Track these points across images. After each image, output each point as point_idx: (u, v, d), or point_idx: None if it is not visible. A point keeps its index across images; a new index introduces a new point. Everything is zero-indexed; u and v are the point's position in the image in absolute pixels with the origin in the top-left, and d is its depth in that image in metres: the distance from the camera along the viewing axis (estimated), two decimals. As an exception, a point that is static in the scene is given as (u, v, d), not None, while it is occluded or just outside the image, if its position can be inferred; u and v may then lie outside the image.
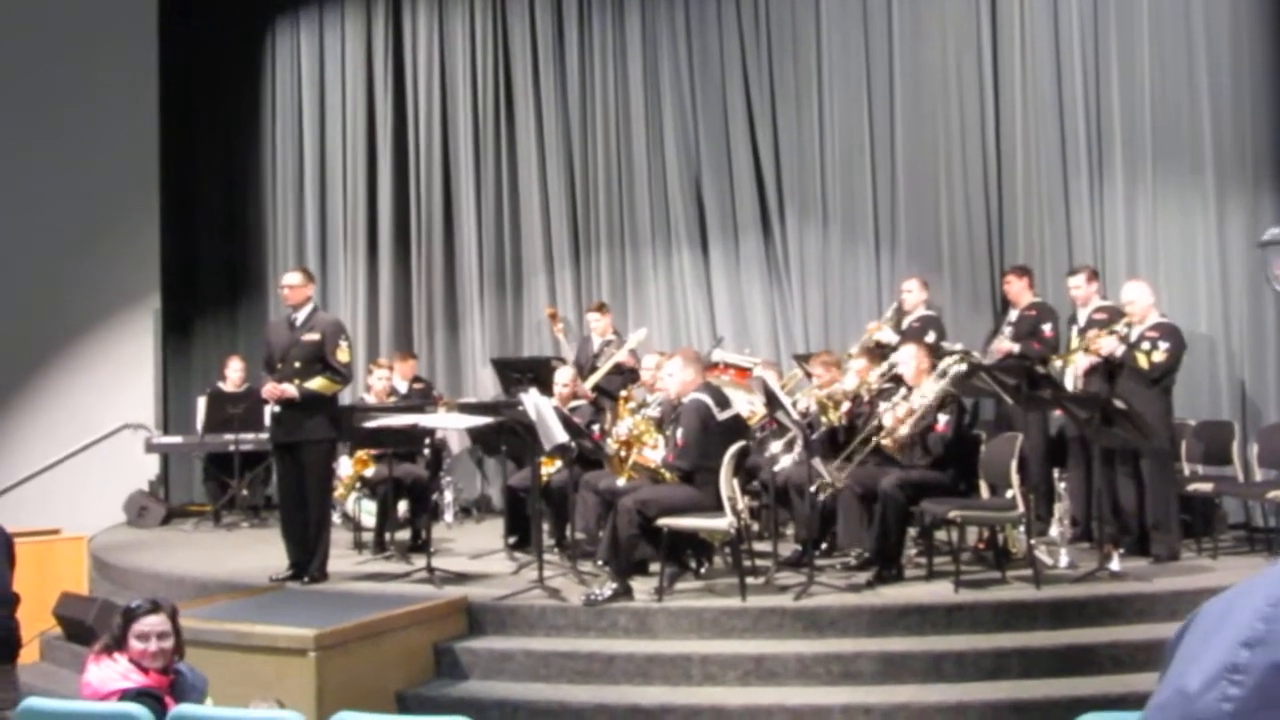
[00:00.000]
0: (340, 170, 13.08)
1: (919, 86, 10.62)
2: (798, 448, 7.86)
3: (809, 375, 9.06)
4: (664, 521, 7.10)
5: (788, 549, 8.20)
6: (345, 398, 9.37)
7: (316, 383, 7.97)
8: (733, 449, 7.22)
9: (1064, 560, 7.61)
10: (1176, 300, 8.99)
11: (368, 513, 9.51)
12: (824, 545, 8.11)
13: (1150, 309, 8.07)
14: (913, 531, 7.95)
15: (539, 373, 9.77)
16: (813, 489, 7.46)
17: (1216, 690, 0.93)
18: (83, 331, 12.72)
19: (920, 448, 7.69)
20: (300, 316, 8.16)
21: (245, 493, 11.54)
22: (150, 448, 12.11)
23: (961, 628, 6.67)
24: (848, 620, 6.73)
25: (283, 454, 8.21)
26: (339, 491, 9.31)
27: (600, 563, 7.70)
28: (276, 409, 8.13)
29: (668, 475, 7.47)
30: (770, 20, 11.31)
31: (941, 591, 7.08)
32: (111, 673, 4.53)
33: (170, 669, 4.71)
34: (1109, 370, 8.13)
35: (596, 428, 8.75)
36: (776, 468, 8.05)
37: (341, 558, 8.58)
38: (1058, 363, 8.57)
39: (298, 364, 8.00)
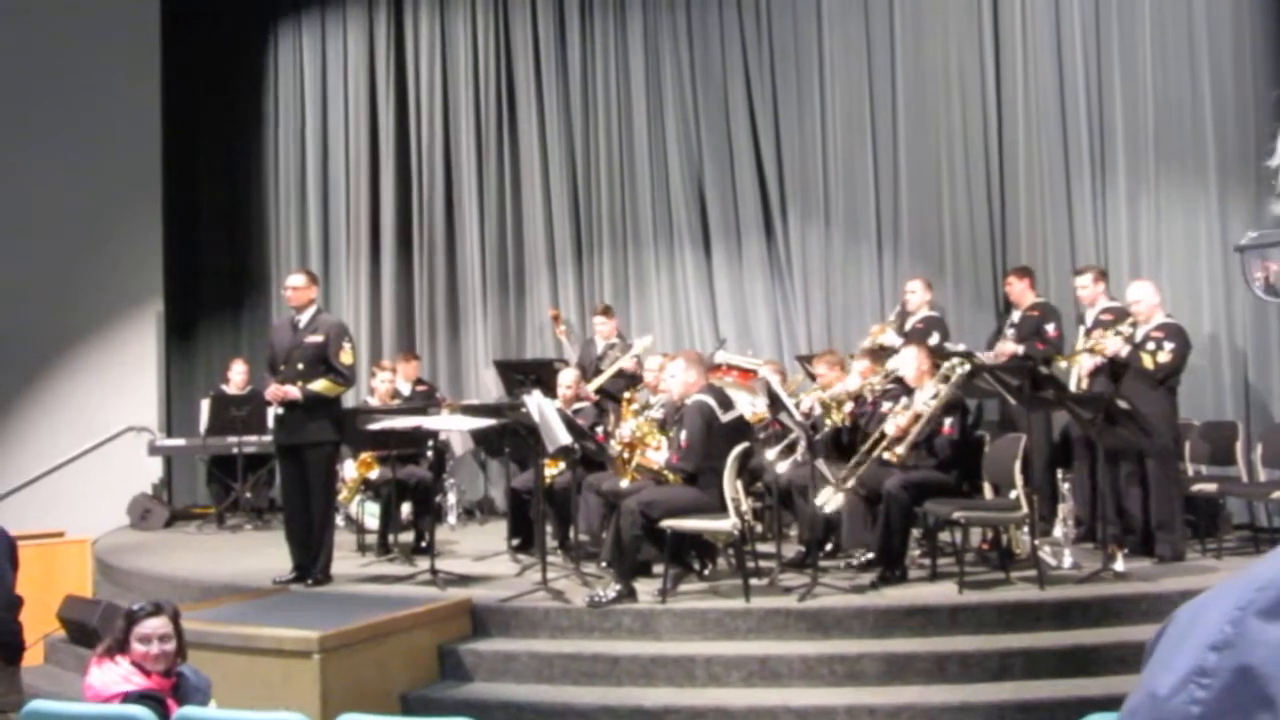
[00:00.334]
0: (343, 172, 13.09)
1: (921, 87, 10.62)
2: (798, 450, 7.85)
3: (812, 377, 9.05)
4: (667, 523, 7.10)
5: (791, 550, 8.20)
6: (349, 400, 9.37)
7: (320, 384, 7.97)
8: (736, 450, 7.22)
9: (1068, 561, 7.60)
10: (1180, 300, 8.98)
11: (371, 515, 9.52)
12: (828, 546, 8.11)
13: (1155, 309, 8.06)
14: (917, 532, 7.94)
15: (542, 375, 9.76)
16: (819, 502, 7.45)
17: (1184, 694, 0.93)
18: (86, 334, 12.74)
19: (926, 450, 7.69)
20: (304, 318, 8.17)
21: (249, 495, 11.54)
22: (154, 450, 12.12)
23: (966, 628, 6.67)
24: (852, 621, 6.72)
25: (286, 456, 8.21)
26: (343, 494, 9.32)
27: (604, 564, 7.70)
28: (280, 411, 8.13)
29: (671, 477, 7.47)
30: (772, 20, 11.32)
31: (946, 592, 7.07)
32: (113, 675, 4.53)
33: (172, 671, 4.70)
34: (1114, 370, 8.12)
35: (600, 429, 8.75)
36: (781, 467, 8.04)
37: (345, 560, 8.58)
38: (1062, 363, 8.56)
39: (301, 365, 8.00)
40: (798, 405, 7.91)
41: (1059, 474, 8.29)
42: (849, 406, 8.16)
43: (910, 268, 10.35)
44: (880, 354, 8.81)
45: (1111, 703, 5.80)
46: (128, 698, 4.43)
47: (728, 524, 7.10)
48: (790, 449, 8.02)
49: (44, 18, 12.45)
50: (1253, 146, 9.21)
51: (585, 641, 6.83)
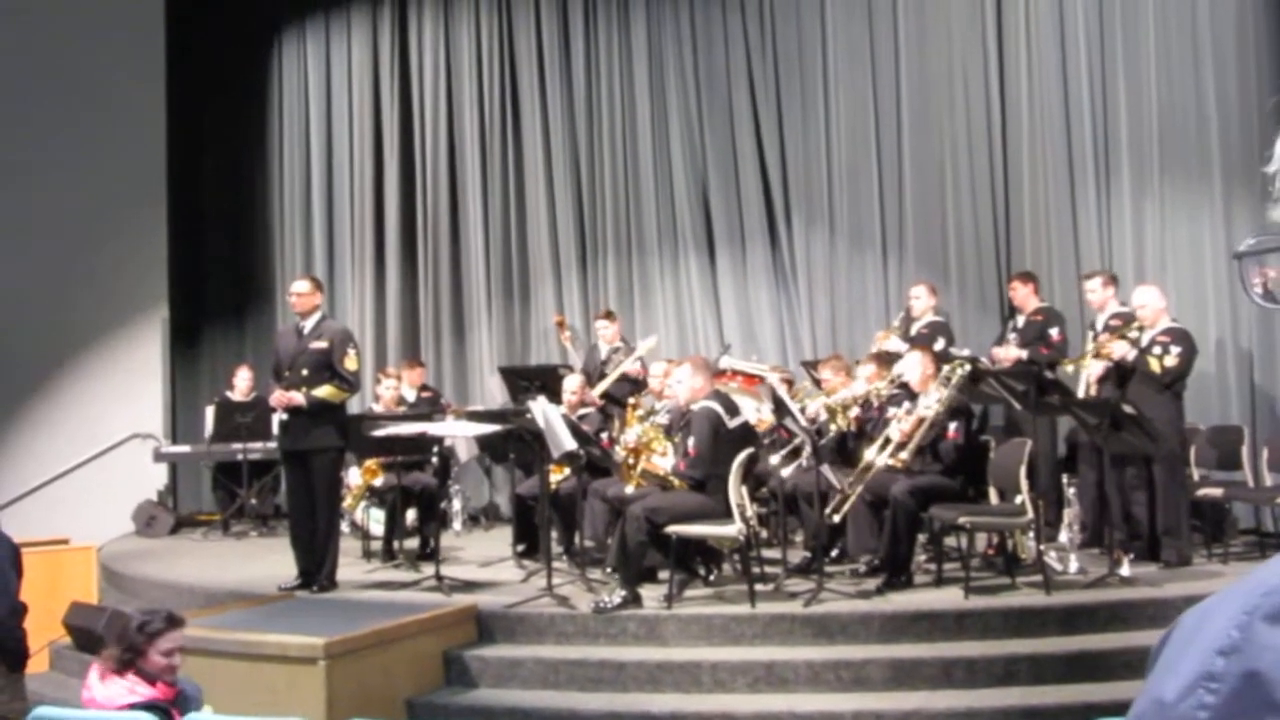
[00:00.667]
0: (347, 178, 13.11)
1: (925, 93, 10.61)
2: (803, 456, 7.84)
3: (817, 382, 9.04)
4: (673, 529, 7.10)
5: (797, 555, 8.19)
6: (353, 406, 9.37)
7: (324, 390, 7.97)
8: (741, 456, 7.21)
9: (1074, 566, 7.59)
10: (1185, 305, 8.95)
11: (376, 521, 9.52)
12: (833, 552, 8.10)
13: (1161, 314, 8.05)
14: (922, 538, 7.93)
15: (547, 381, 9.76)
16: (828, 510, 7.45)
17: (1192, 699, 0.92)
18: (91, 341, 12.75)
19: (931, 455, 7.68)
20: (308, 325, 8.17)
21: (254, 501, 11.54)
22: (159, 457, 12.13)
23: (971, 634, 6.66)
24: (858, 627, 6.71)
25: (291, 463, 8.21)
26: (348, 501, 9.31)
27: (609, 570, 7.69)
28: (284, 417, 8.13)
29: (676, 482, 7.47)
30: (776, 27, 11.32)
31: (951, 598, 7.06)
32: (119, 688, 4.50)
33: (176, 681, 4.70)
34: (1120, 375, 8.11)
35: (605, 435, 8.75)
36: (786, 472, 8.03)
37: (350, 566, 8.58)
38: (1069, 367, 8.55)
39: (305, 372, 8.00)
40: (803, 411, 7.90)
41: (1065, 479, 8.28)
42: (855, 411, 8.14)
43: (915, 273, 10.34)
44: (886, 359, 8.79)
45: (1118, 708, 5.78)
46: (135, 708, 4.41)
47: (733, 529, 7.10)
48: (795, 454, 8.01)
49: (48, 21, 12.48)
50: (1257, 151, 9.17)
51: (591, 647, 6.82)
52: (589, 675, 6.59)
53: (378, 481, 9.23)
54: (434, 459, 9.27)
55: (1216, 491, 8.28)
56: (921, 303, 9.51)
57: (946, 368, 7.94)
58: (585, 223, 12.10)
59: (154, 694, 4.52)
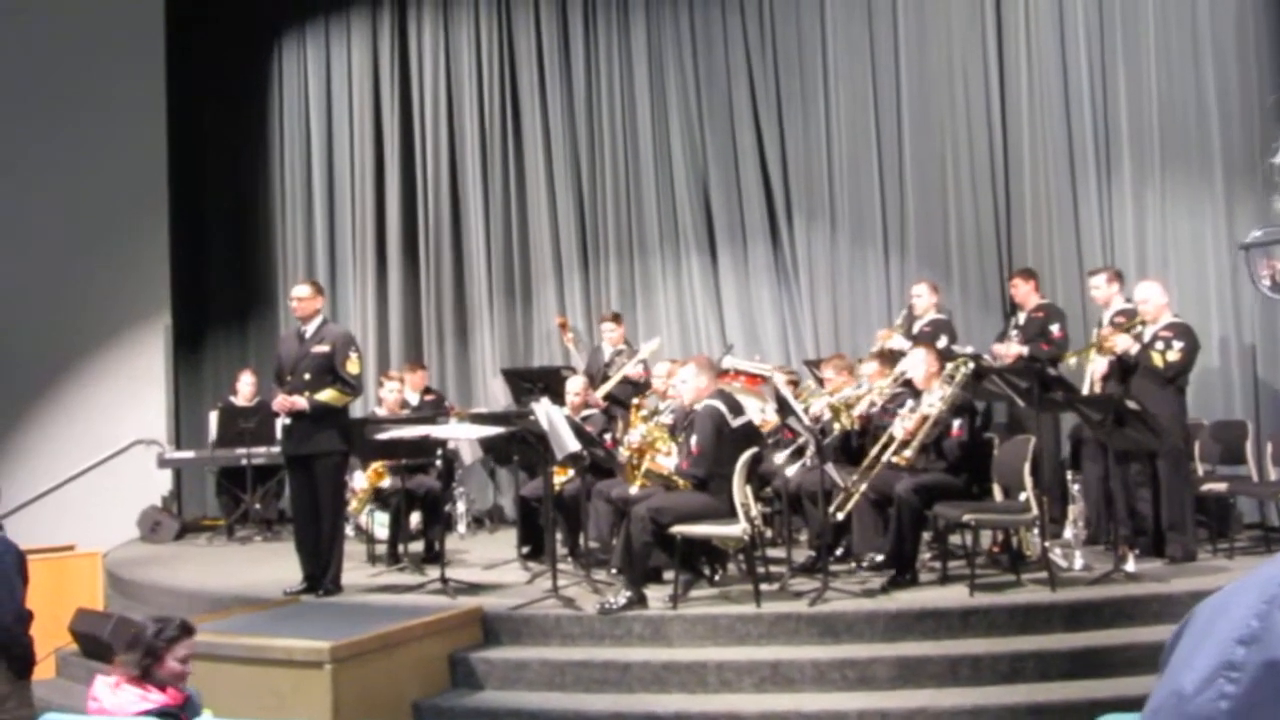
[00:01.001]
0: (348, 182, 13.13)
1: (925, 89, 10.62)
2: (807, 455, 7.84)
3: (820, 381, 9.04)
4: (678, 529, 7.09)
5: (802, 555, 8.19)
6: (357, 410, 9.37)
7: (326, 394, 7.97)
8: (745, 455, 7.21)
9: (1079, 562, 7.58)
10: (1188, 300, 8.95)
11: (381, 524, 9.52)
12: (838, 551, 8.09)
13: (1163, 309, 8.05)
14: (927, 536, 7.93)
15: (550, 382, 9.76)
16: (832, 509, 7.45)
17: (1212, 689, 0.92)
18: (94, 348, 12.76)
19: (935, 453, 7.68)
20: (310, 329, 8.17)
21: (258, 506, 11.55)
22: (163, 463, 12.14)
23: (977, 631, 6.65)
24: (863, 625, 6.71)
25: (295, 467, 8.22)
26: (353, 505, 9.31)
27: (614, 571, 7.69)
28: (288, 422, 8.13)
29: (680, 482, 7.47)
30: (775, 26, 11.32)
31: (957, 595, 7.06)
32: (130, 695, 4.48)
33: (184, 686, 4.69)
34: (1122, 371, 8.10)
35: (608, 436, 8.75)
36: (790, 470, 8.03)
37: (355, 570, 8.59)
38: (1071, 360, 8.54)
39: (307, 376, 8.00)
40: (806, 410, 7.90)
41: (1069, 475, 8.28)
42: (860, 409, 8.14)
43: (916, 271, 10.35)
44: (889, 358, 8.79)
45: (1124, 704, 5.78)
46: (148, 714, 4.40)
47: (738, 529, 7.10)
48: (799, 453, 8.01)
49: (47, 28, 12.48)
50: (1258, 145, 9.18)
51: (596, 648, 6.82)
52: (595, 676, 6.59)
53: (384, 484, 9.23)
54: (438, 462, 9.27)
55: (1221, 486, 8.28)
56: (923, 300, 9.50)
57: (950, 365, 7.93)
58: (587, 223, 12.11)
59: (165, 700, 4.51)
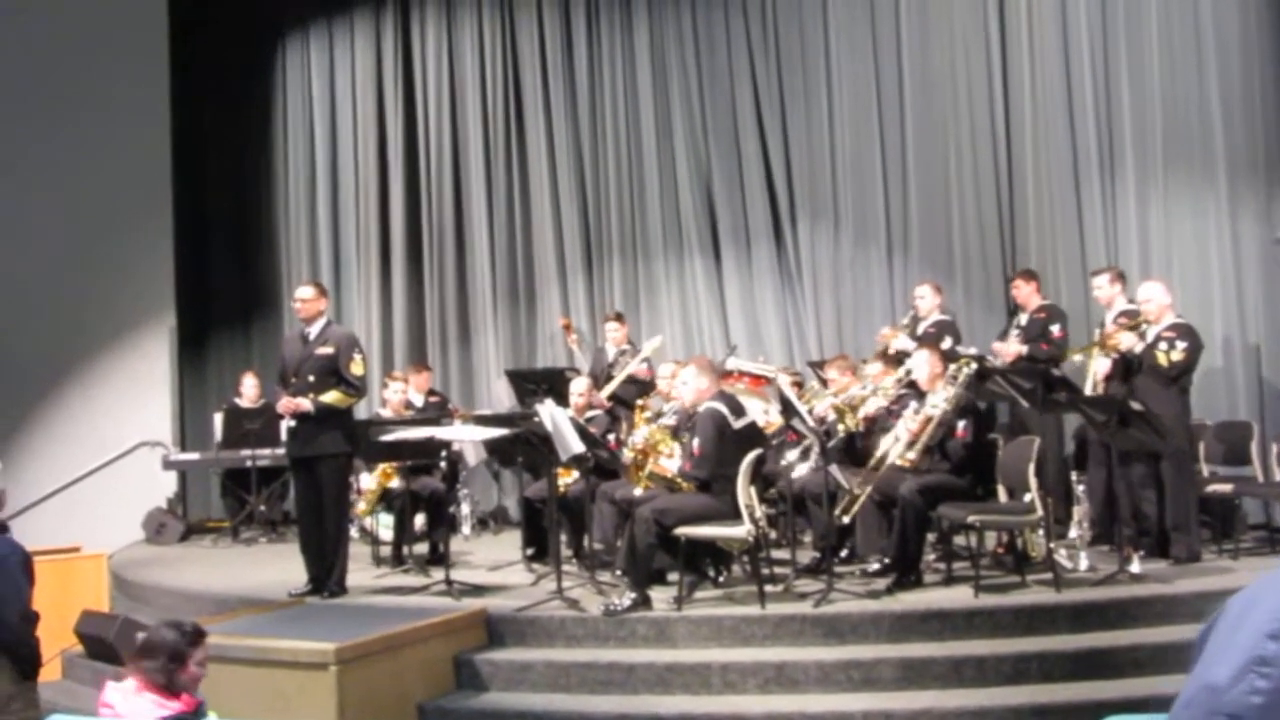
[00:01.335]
0: (352, 184, 13.15)
1: (928, 90, 10.62)
2: (814, 455, 7.84)
3: (824, 382, 9.04)
4: (682, 530, 7.10)
5: (806, 556, 8.19)
6: (361, 411, 9.38)
7: (330, 396, 7.98)
8: (749, 457, 7.21)
9: (1083, 563, 7.58)
10: (1191, 301, 8.95)
11: (385, 526, 9.52)
12: (843, 552, 8.09)
13: (1166, 309, 8.04)
14: (931, 537, 7.92)
15: (554, 384, 9.77)
16: (837, 512, 7.45)
17: (1244, 683, 0.92)
18: (99, 350, 12.78)
19: (939, 454, 7.68)
20: (314, 330, 8.18)
21: (263, 508, 11.56)
22: (168, 465, 12.15)
23: (982, 632, 6.65)
24: (868, 626, 6.71)
25: (299, 469, 8.22)
26: (362, 506, 9.32)
27: (618, 572, 7.70)
28: (292, 424, 8.14)
29: (684, 484, 7.47)
30: (778, 27, 11.33)
31: (961, 596, 7.06)
32: (146, 703, 4.45)
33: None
34: (1125, 371, 8.10)
35: (612, 437, 8.75)
36: (793, 475, 8.04)
37: (360, 571, 8.59)
38: (1076, 357, 8.53)
39: (311, 378, 8.01)
40: (810, 411, 7.90)
41: (1074, 476, 8.27)
42: (865, 410, 8.14)
43: (920, 271, 10.35)
44: (893, 357, 8.80)
45: (1129, 705, 5.78)
46: None
47: (742, 531, 7.10)
48: (804, 455, 8.01)
49: (50, 29, 12.50)
50: (1261, 146, 9.20)
51: (601, 650, 6.82)
52: (599, 678, 6.59)
53: (393, 484, 9.23)
54: (442, 463, 9.28)
55: (1226, 487, 8.27)
56: (926, 302, 9.49)
57: (953, 366, 7.93)
58: (590, 225, 12.12)
59: (180, 707, 4.49)
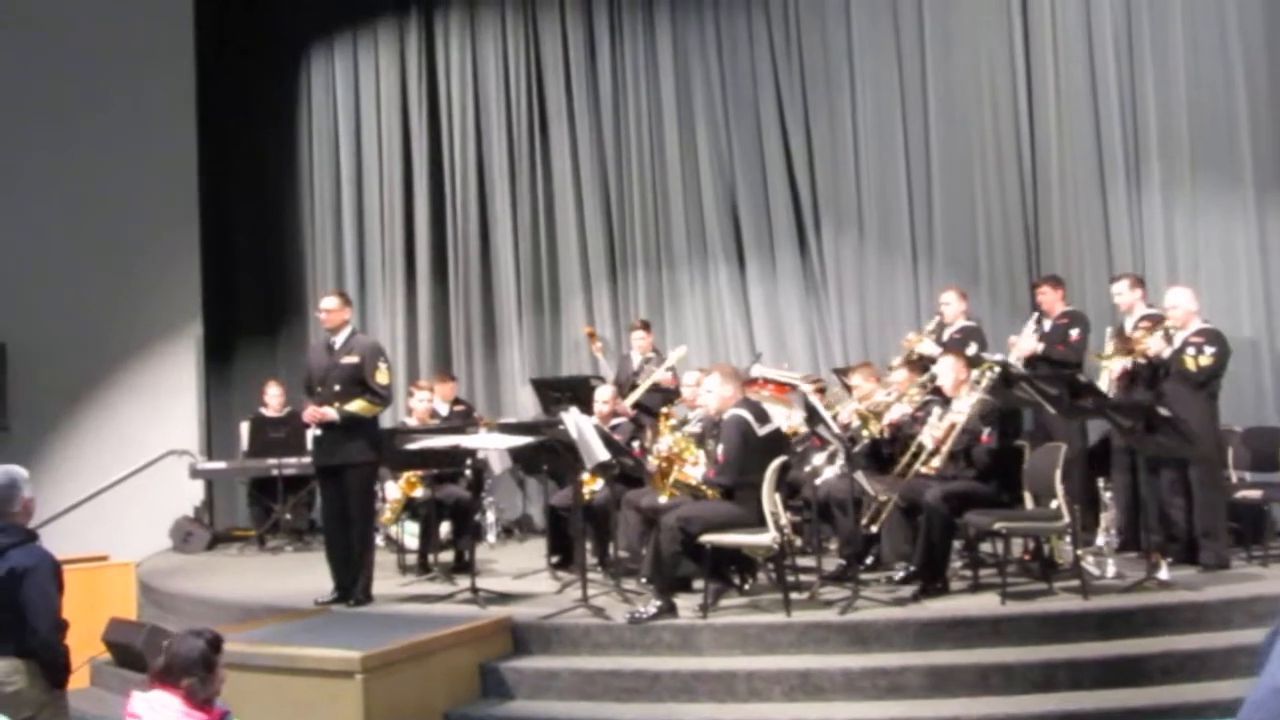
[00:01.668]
0: (377, 194, 13.19)
1: (952, 96, 10.59)
2: (839, 460, 7.83)
3: (849, 389, 9.03)
4: (707, 538, 7.09)
5: (831, 563, 8.17)
6: (386, 420, 9.40)
7: (356, 405, 8.01)
8: (774, 464, 7.20)
9: (1111, 570, 7.54)
10: (1218, 306, 8.89)
11: (411, 534, 9.54)
12: (868, 559, 8.07)
13: (1192, 315, 8.00)
14: (958, 544, 7.89)
15: (578, 392, 9.78)
16: (865, 520, 7.43)
17: None
18: (126, 360, 12.86)
19: (965, 460, 7.65)
20: (339, 340, 8.20)
21: (289, 516, 11.61)
22: (194, 473, 12.20)
23: (1009, 640, 6.62)
24: (894, 634, 6.68)
25: (325, 477, 8.25)
26: (386, 515, 9.35)
27: (644, 580, 7.68)
28: (318, 433, 8.17)
29: (709, 492, 7.46)
30: (801, 34, 11.32)
31: (988, 603, 7.03)
32: (174, 711, 4.43)
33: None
34: (1152, 377, 8.06)
35: (637, 445, 8.75)
36: (819, 480, 8.03)
37: (385, 580, 8.61)
38: (1103, 361, 8.48)
39: (337, 387, 8.04)
40: (835, 418, 7.88)
41: (1100, 483, 8.22)
42: (890, 417, 8.12)
43: (945, 278, 10.31)
44: (918, 364, 8.77)
45: (1157, 713, 5.76)
46: None
47: (767, 538, 7.09)
48: (832, 459, 8.00)
49: (78, 43, 12.59)
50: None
51: (626, 658, 6.82)
52: (624, 686, 6.59)
53: (416, 494, 9.25)
54: (467, 472, 9.30)
55: (1254, 493, 8.21)
56: (952, 308, 9.46)
57: (976, 372, 7.91)
58: (614, 234, 12.14)
59: (206, 718, 4.48)
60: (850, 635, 6.71)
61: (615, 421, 9.12)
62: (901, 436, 8.08)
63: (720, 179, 11.67)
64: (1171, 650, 6.41)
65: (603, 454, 7.38)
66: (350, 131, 13.40)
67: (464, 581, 8.06)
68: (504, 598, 7.83)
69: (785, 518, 7.44)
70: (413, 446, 8.30)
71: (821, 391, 9.18)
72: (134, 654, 7.49)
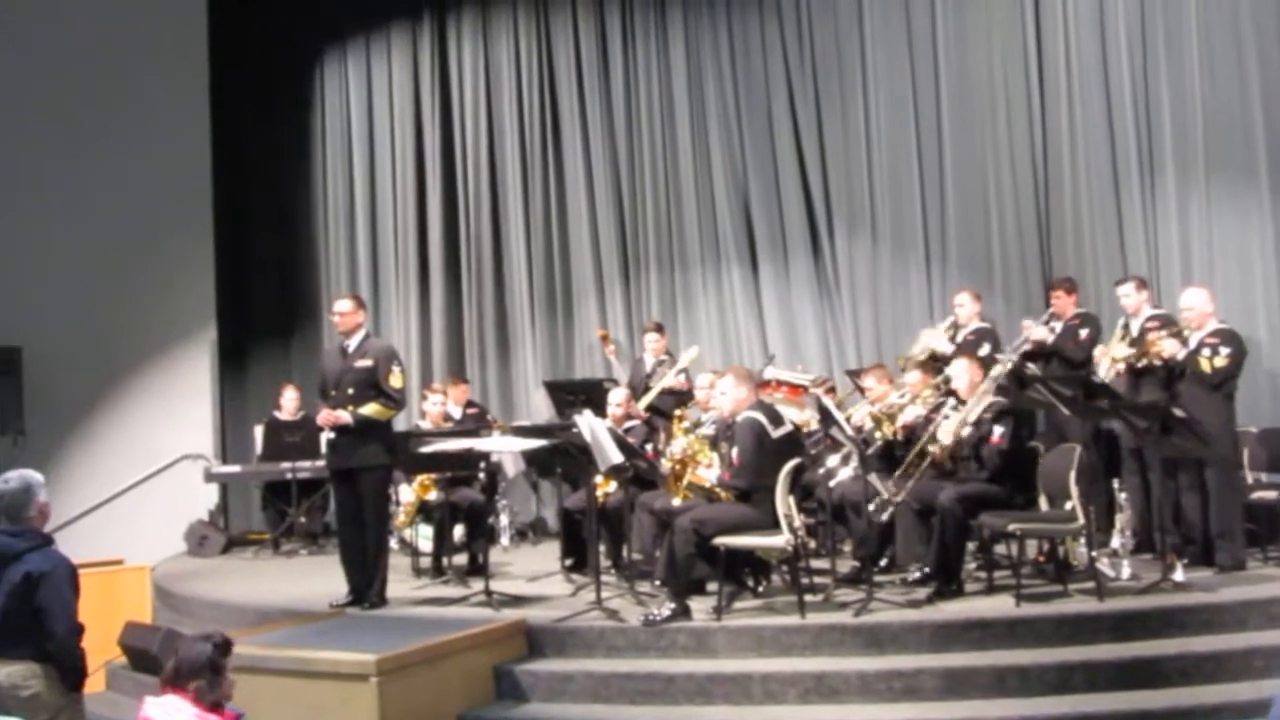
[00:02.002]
0: (390, 198, 13.21)
1: (965, 98, 10.57)
2: (854, 462, 7.82)
3: (861, 391, 9.02)
4: (721, 540, 7.09)
5: (846, 565, 8.16)
6: (400, 423, 9.41)
7: (370, 408, 8.02)
8: (788, 466, 7.19)
9: (1126, 572, 7.52)
10: (1233, 307, 8.85)
11: (425, 537, 9.56)
12: (883, 561, 8.06)
13: (1208, 316, 7.98)
14: (972, 546, 7.88)
15: (592, 395, 9.78)
16: (871, 508, 7.42)
17: None
18: (141, 364, 12.89)
19: (975, 460, 7.64)
20: (352, 343, 8.21)
21: (303, 520, 11.63)
22: (209, 477, 12.23)
23: (1024, 642, 6.60)
24: (909, 636, 6.68)
25: (340, 480, 8.26)
26: (401, 518, 9.36)
27: (658, 583, 7.68)
28: (332, 436, 8.18)
29: (723, 494, 7.46)
30: (814, 36, 11.31)
31: (1003, 605, 7.01)
32: (185, 717, 4.43)
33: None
34: (1167, 377, 8.03)
35: (650, 447, 8.75)
36: (833, 482, 8.02)
37: (400, 583, 8.62)
38: (1107, 358, 8.47)
39: (351, 390, 8.05)
40: (848, 419, 7.87)
41: (1115, 484, 8.20)
42: (904, 419, 8.11)
43: (958, 279, 10.29)
44: (931, 364, 8.76)
45: (1173, 715, 5.75)
46: None
47: (781, 540, 7.08)
48: (847, 460, 7.99)
49: (91, 46, 12.61)
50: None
51: (641, 660, 6.82)
52: (639, 688, 6.59)
53: (430, 497, 9.26)
54: (481, 475, 9.30)
55: (1271, 494, 8.17)
56: (965, 310, 9.46)
57: (990, 371, 7.91)
58: (627, 236, 12.13)
59: None
60: (865, 637, 6.70)
61: (629, 424, 9.12)
62: (915, 438, 8.06)
63: (733, 180, 11.66)
64: (1187, 652, 6.39)
65: (616, 456, 7.39)
66: (364, 134, 13.42)
67: (478, 584, 8.07)
68: (518, 600, 7.84)
69: (799, 520, 7.43)
70: (427, 449, 8.32)
71: (831, 391, 9.19)
72: (149, 658, 7.47)
